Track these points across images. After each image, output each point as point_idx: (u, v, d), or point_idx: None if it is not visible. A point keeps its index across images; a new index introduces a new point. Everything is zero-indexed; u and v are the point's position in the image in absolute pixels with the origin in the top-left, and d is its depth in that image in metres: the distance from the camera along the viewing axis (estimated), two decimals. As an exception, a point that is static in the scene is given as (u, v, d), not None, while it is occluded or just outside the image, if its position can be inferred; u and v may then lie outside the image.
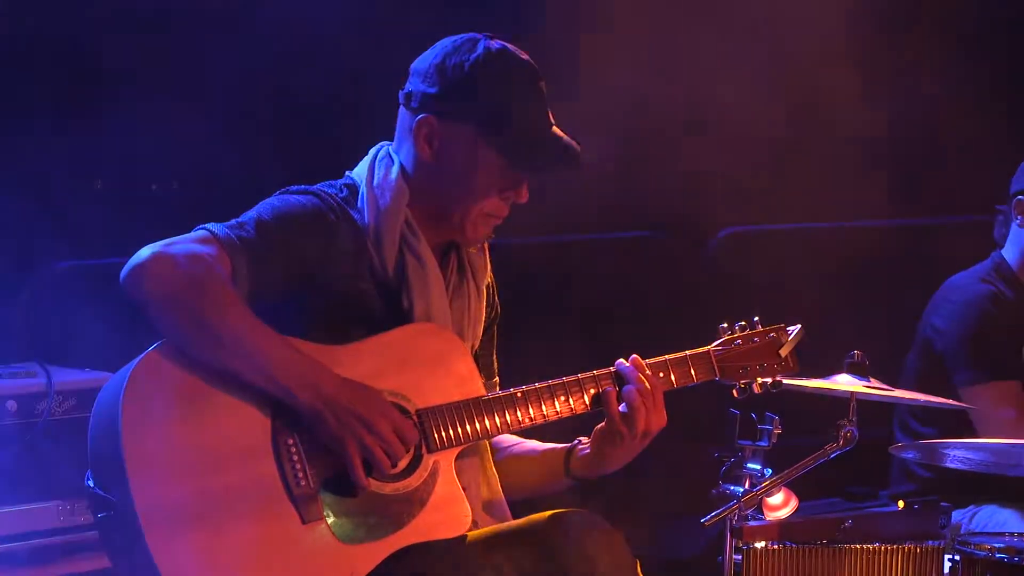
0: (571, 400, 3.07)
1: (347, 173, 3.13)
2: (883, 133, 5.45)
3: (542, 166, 3.08)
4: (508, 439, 3.23)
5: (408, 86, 3.08)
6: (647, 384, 3.06)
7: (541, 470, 3.20)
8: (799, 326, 3.26)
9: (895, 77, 5.50)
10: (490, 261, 3.21)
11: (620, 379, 3.08)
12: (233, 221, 2.94)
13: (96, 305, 4.10)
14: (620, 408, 3.04)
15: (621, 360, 3.10)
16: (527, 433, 3.17)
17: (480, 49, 3.02)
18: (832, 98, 5.40)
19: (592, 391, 3.08)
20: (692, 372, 3.17)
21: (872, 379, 3.58)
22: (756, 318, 3.26)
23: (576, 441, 3.18)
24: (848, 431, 3.43)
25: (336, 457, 2.87)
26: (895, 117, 5.46)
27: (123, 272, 2.83)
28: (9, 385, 3.62)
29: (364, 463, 2.88)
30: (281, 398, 2.85)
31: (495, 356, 3.25)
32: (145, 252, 2.83)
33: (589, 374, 3.09)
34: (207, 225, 2.91)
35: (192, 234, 2.90)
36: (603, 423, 3.08)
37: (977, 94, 5.55)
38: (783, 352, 3.25)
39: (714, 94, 5.22)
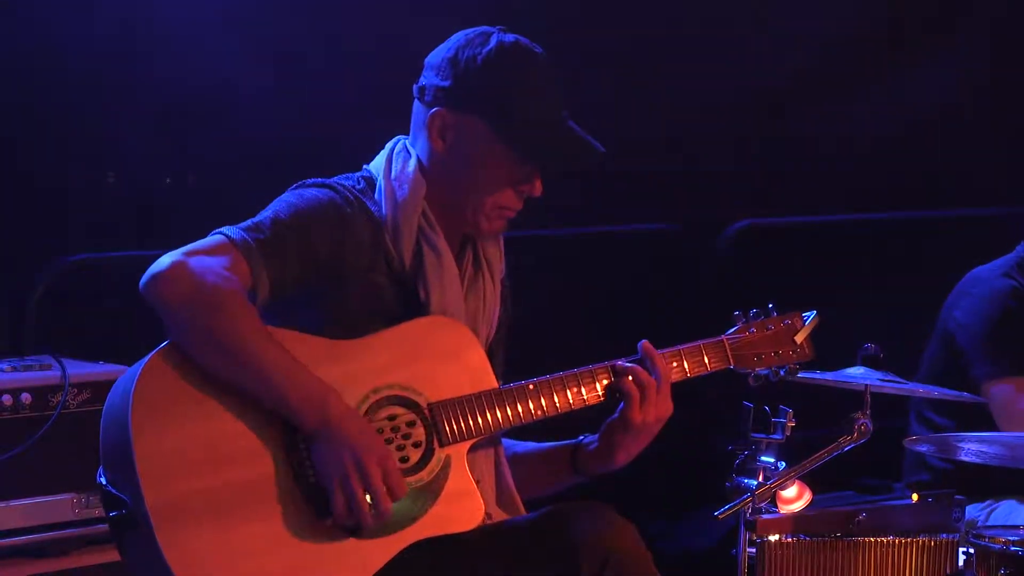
0: (583, 391, 3.07)
1: (364, 166, 3.14)
2: (900, 123, 5.44)
3: (554, 160, 3.07)
4: (509, 440, 3.22)
5: (422, 79, 3.08)
6: (659, 370, 3.06)
7: (547, 468, 3.20)
8: (815, 312, 3.25)
9: (912, 66, 5.48)
10: (504, 254, 3.21)
11: (628, 369, 3.07)
12: (250, 222, 2.94)
13: (110, 297, 4.12)
14: (631, 396, 3.04)
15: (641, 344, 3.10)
16: (532, 429, 3.16)
17: (493, 42, 3.02)
18: (846, 88, 5.39)
19: (605, 381, 3.08)
20: (706, 360, 3.17)
21: (887, 372, 3.57)
22: (771, 304, 3.25)
23: (581, 437, 3.17)
24: (862, 424, 3.43)
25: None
26: (913, 107, 5.45)
27: (143, 279, 2.83)
28: (24, 378, 3.63)
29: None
30: (287, 416, 2.84)
31: (502, 362, 3.20)
32: (165, 261, 2.83)
33: (601, 365, 3.09)
34: (223, 230, 2.91)
35: (209, 240, 2.89)
36: (615, 414, 3.08)
37: (1001, 82, 5.53)
38: (799, 339, 3.24)
39: (724, 87, 5.22)
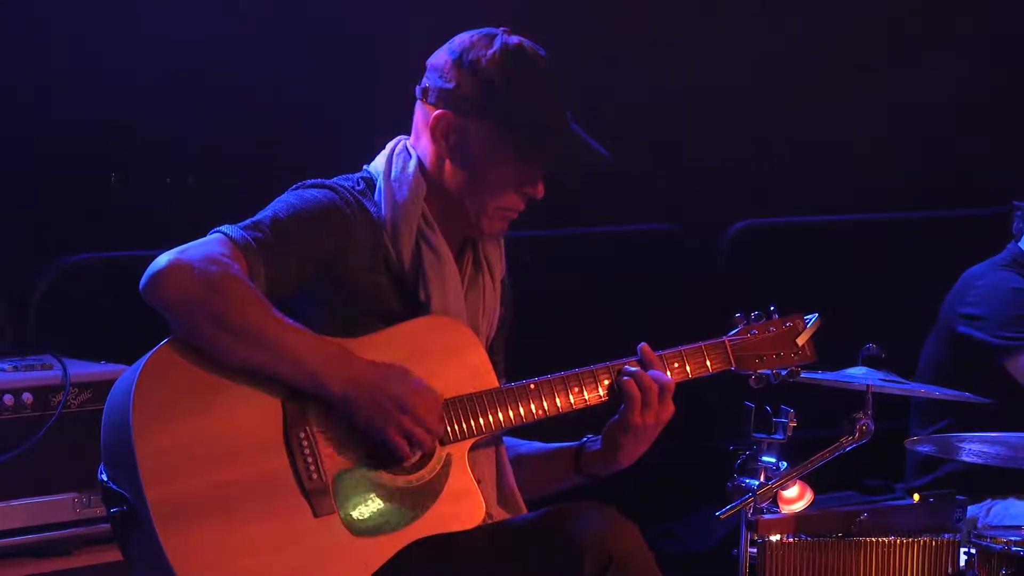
0: (585, 392, 3.07)
1: (364, 166, 3.13)
2: (900, 123, 5.45)
3: (560, 164, 3.07)
4: (513, 440, 3.22)
5: (425, 81, 3.07)
6: (659, 372, 3.06)
7: (550, 469, 3.20)
8: (817, 314, 3.25)
9: (907, 69, 5.49)
10: (504, 254, 3.21)
11: (629, 370, 3.07)
12: (248, 221, 2.93)
13: (110, 297, 4.12)
14: (632, 397, 3.04)
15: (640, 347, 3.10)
16: (537, 428, 3.16)
17: (497, 44, 3.02)
18: (844, 90, 5.40)
19: (606, 382, 3.08)
20: (707, 362, 3.17)
21: (888, 372, 3.58)
22: (772, 307, 3.25)
23: (585, 438, 3.17)
24: (863, 424, 3.43)
25: (351, 449, 2.88)
26: (912, 107, 5.46)
27: (142, 281, 2.82)
28: (25, 377, 3.63)
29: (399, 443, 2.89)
30: (311, 389, 2.85)
31: (503, 360, 3.21)
32: (162, 260, 2.82)
33: (603, 365, 3.09)
34: (221, 228, 2.90)
35: (207, 238, 2.89)
36: (616, 415, 3.08)
37: (993, 86, 5.54)
38: (800, 341, 3.24)
39: (726, 85, 5.22)
